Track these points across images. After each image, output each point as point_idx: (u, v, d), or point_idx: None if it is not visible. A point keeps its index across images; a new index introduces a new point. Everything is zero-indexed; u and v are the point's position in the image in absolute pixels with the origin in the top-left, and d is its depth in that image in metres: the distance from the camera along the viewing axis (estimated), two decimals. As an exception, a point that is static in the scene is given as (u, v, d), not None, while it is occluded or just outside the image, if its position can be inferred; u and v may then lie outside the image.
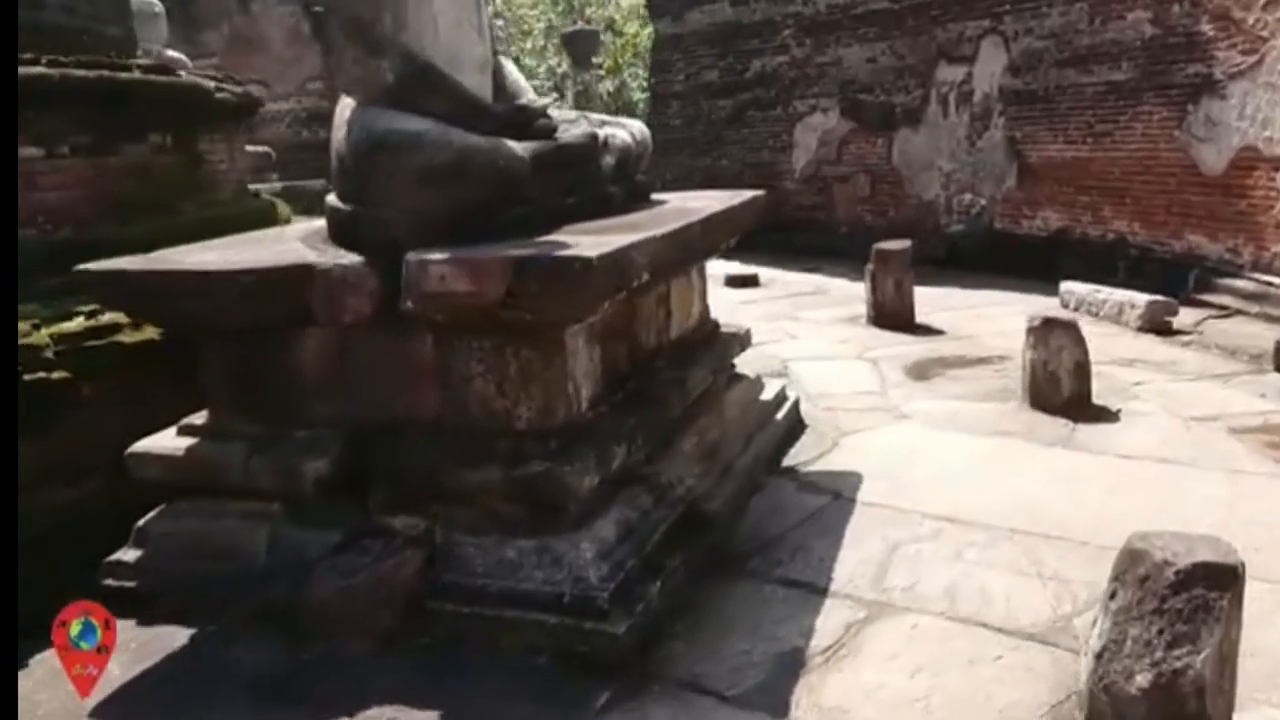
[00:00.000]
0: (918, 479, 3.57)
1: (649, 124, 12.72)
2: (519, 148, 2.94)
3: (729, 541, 3.12)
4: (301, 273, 2.75)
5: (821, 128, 10.46)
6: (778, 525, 3.24)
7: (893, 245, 6.40)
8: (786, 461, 3.84)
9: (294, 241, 3.17)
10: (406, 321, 2.67)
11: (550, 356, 2.66)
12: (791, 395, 4.33)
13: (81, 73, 3.95)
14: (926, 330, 6.18)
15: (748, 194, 3.95)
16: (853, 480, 3.59)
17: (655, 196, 3.92)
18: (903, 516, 3.25)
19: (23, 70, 3.47)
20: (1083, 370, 4.24)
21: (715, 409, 3.67)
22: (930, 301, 7.01)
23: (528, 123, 3.20)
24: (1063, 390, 4.22)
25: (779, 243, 10.09)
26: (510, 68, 3.62)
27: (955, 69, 9.00)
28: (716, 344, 3.85)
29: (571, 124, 3.60)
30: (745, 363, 5.06)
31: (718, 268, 9.48)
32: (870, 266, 6.39)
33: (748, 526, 3.24)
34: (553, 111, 3.69)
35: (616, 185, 3.56)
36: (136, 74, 4.18)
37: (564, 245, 2.56)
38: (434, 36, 3.18)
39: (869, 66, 9.83)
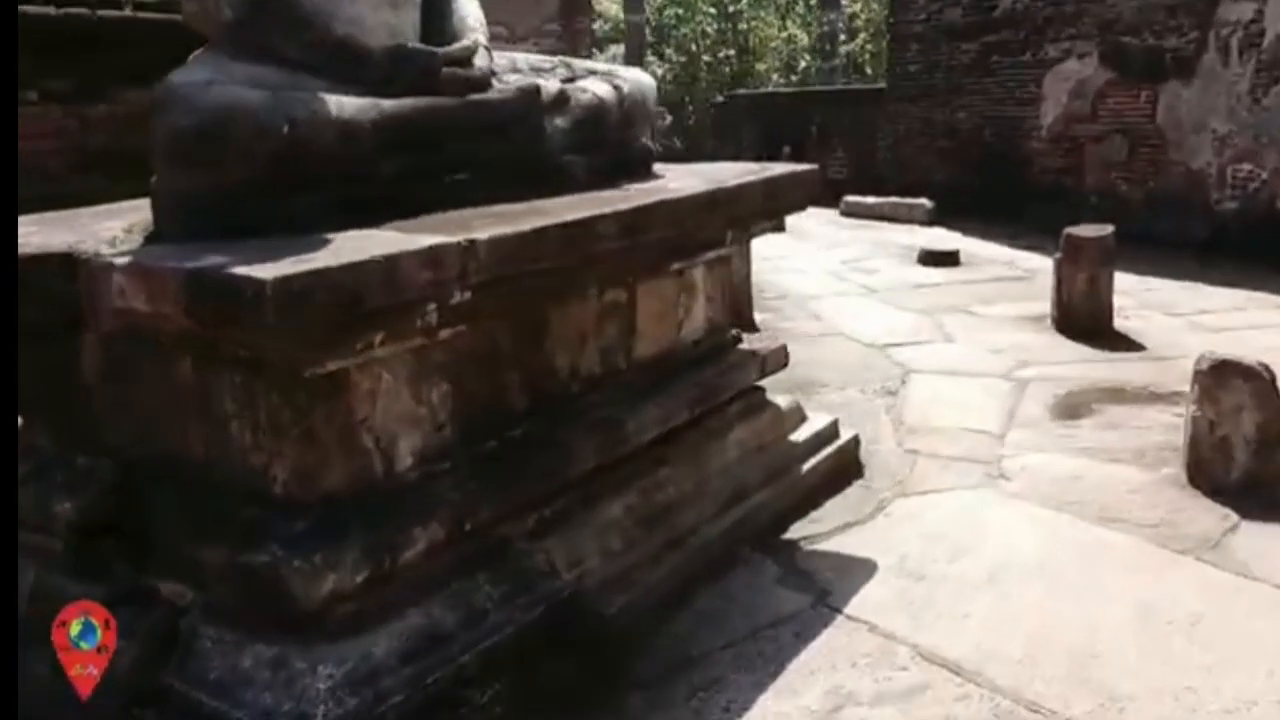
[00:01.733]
0: (950, 585, 2.51)
1: (889, 70, 11.42)
2: (355, 106, 2.18)
3: (625, 658, 2.27)
4: (64, 261, 2.15)
5: (1075, 77, 8.77)
6: (709, 639, 2.33)
7: (1089, 231, 5.03)
8: (797, 530, 2.88)
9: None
10: (167, 335, 2.03)
11: (314, 402, 1.92)
12: (845, 435, 3.32)
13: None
14: (1122, 342, 4.82)
15: (778, 169, 2.97)
16: (860, 574, 2.59)
17: (665, 168, 3.04)
18: (884, 651, 2.25)
19: None
20: (1269, 441, 2.93)
21: (690, 457, 2.78)
22: (1153, 300, 5.58)
23: (424, 72, 2.43)
24: (1233, 467, 2.95)
25: (1012, 210, 8.66)
26: (468, 3, 2.84)
27: (1242, 6, 7.15)
28: (715, 367, 2.93)
29: (529, 75, 2.81)
30: (867, 368, 4.08)
31: (919, 238, 8.24)
32: (1057, 255, 5.06)
33: (670, 635, 2.36)
34: (520, 58, 2.92)
35: (581, 154, 2.72)
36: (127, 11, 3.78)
37: (293, 252, 1.77)
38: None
39: (1135, 3, 8.06)
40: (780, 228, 3.06)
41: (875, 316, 5.57)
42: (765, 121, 12.59)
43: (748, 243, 3.15)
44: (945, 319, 5.42)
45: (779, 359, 3.17)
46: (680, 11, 20.16)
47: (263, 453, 1.97)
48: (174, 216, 2.04)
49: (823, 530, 2.87)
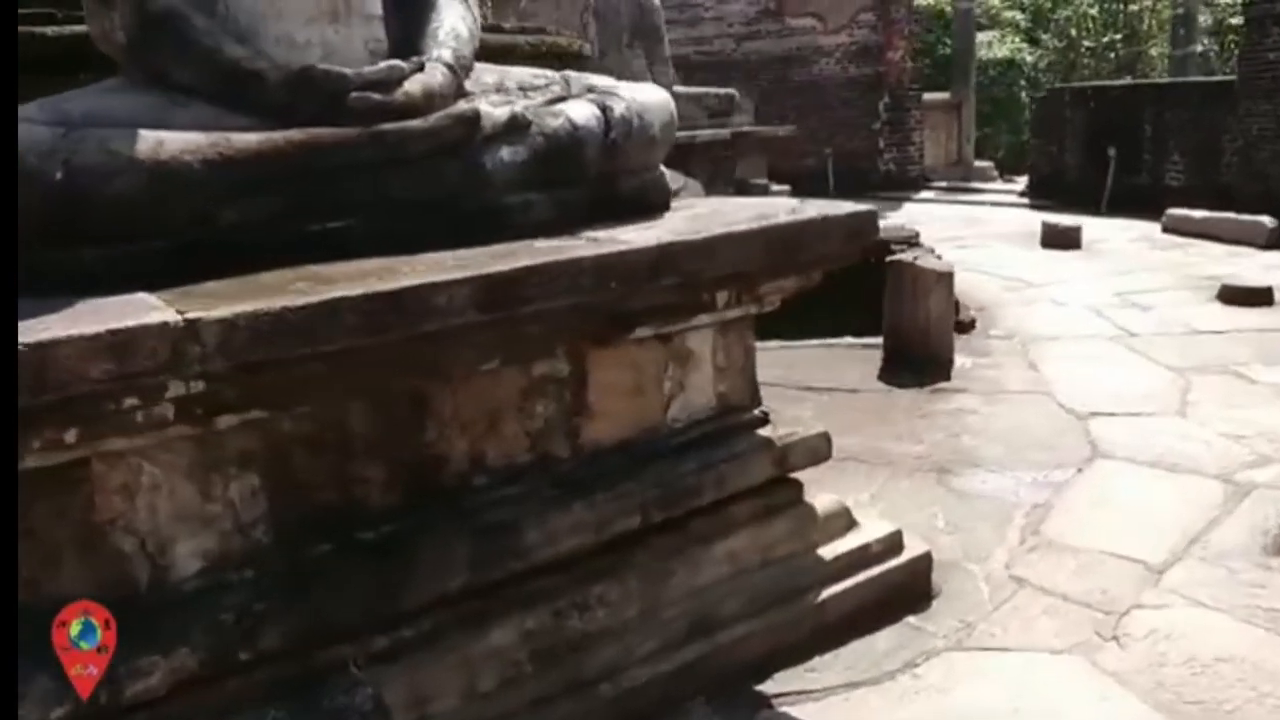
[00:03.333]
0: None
1: (1240, 59, 9.54)
2: (182, 144, 1.86)
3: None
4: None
5: None
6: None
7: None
8: (784, 680, 2.22)
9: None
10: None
11: (33, 498, 1.63)
12: (912, 550, 2.57)
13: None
14: None
15: (813, 212, 2.28)
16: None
17: (691, 206, 2.49)
18: None
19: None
20: None
21: (643, 573, 2.22)
22: None
23: (329, 98, 2.07)
24: None
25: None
26: (449, 13, 2.45)
27: None
28: (703, 458, 2.33)
29: (515, 96, 2.38)
30: (1048, 445, 3.50)
31: (1240, 267, 6.65)
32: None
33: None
34: (514, 74, 2.50)
35: (544, 192, 2.25)
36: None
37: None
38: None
39: None
40: (811, 281, 2.39)
41: (1109, 372, 4.51)
42: (1090, 120, 11.03)
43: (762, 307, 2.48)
44: (1200, 382, 4.27)
45: (811, 451, 2.49)
46: (1057, -6, 18.52)
47: (6, 546, 1.72)
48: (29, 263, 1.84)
49: (817, 687, 2.20)
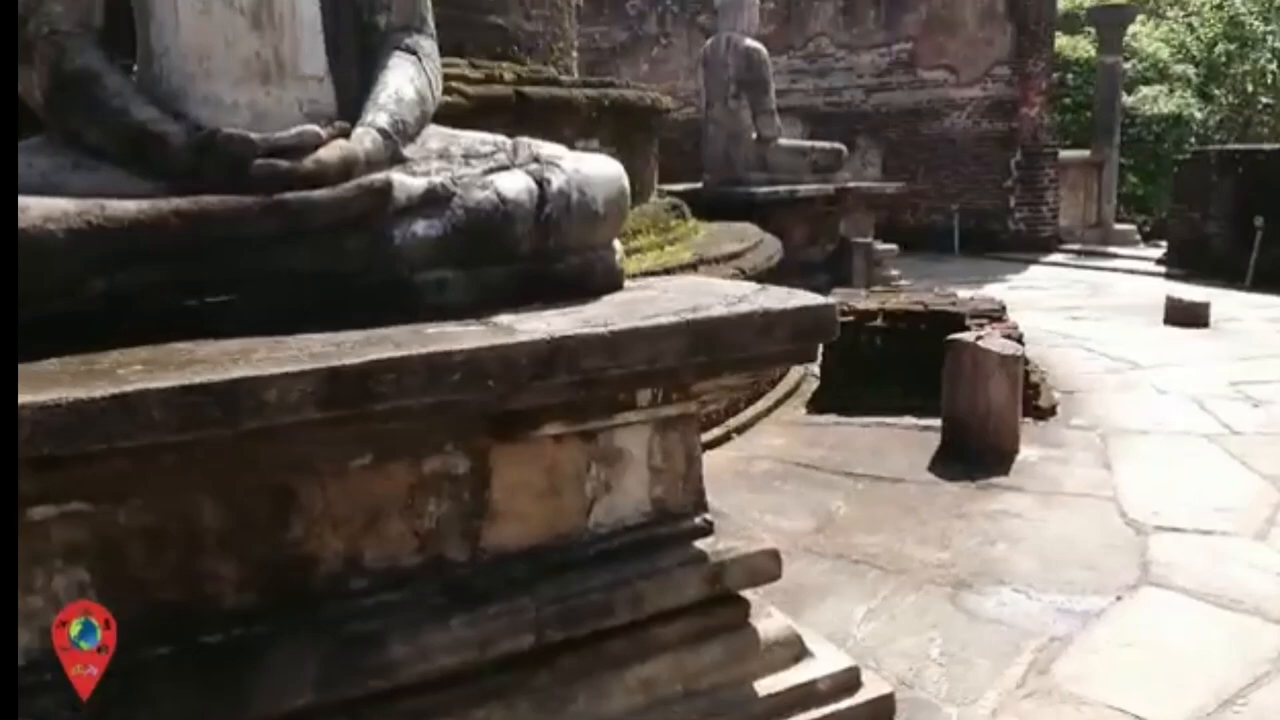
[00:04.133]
0: None
1: None
2: (45, 210, 1.77)
3: None
4: None
5: None
6: None
7: None
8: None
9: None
10: None
11: None
12: (870, 690, 2.24)
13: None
14: None
15: (751, 305, 2.02)
16: None
17: (646, 288, 2.28)
18: None
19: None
20: None
21: (533, 697, 1.99)
22: None
23: (232, 164, 1.96)
24: None
25: None
26: (396, 74, 2.32)
27: None
28: (620, 572, 2.09)
29: (456, 165, 2.23)
30: (1091, 564, 3.24)
31: None
32: None
33: None
34: (465, 140, 2.35)
35: (463, 269, 2.08)
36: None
37: None
38: (174, 27, 2.13)
39: None
40: (764, 378, 2.13)
41: (1192, 478, 4.03)
42: (1238, 185, 10.22)
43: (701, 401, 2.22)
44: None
45: (752, 571, 2.20)
46: (1232, 48, 17.45)
47: None
48: None
49: None
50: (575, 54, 6.97)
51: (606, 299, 2.18)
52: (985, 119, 13.68)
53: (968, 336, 4.41)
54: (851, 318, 5.17)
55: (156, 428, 1.53)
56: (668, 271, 4.62)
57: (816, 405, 5.13)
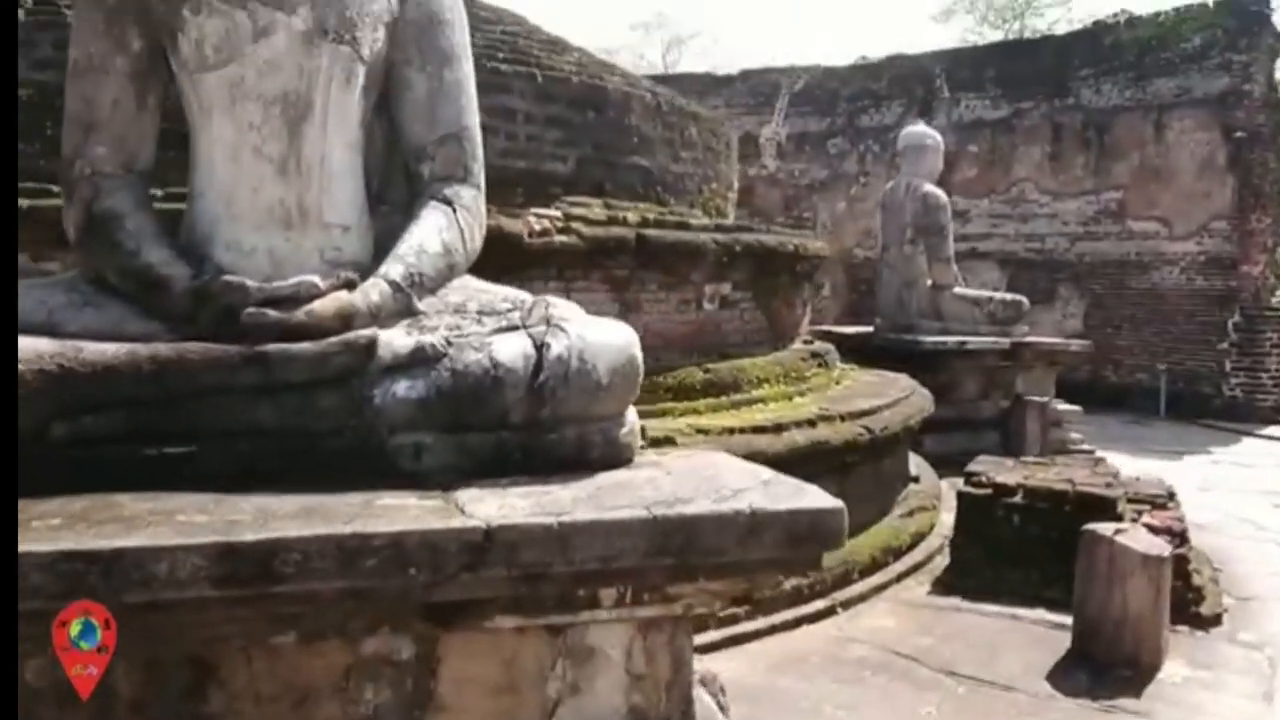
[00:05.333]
0: None
1: None
2: (22, 351, 1.79)
3: None
4: None
5: None
6: None
7: None
8: None
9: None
10: None
11: None
12: None
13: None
14: None
15: (732, 507, 1.79)
16: None
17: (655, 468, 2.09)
18: None
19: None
20: None
21: None
22: None
23: (225, 312, 1.95)
24: None
25: None
26: (424, 225, 2.27)
27: None
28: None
29: (469, 322, 2.15)
30: None
31: None
32: None
33: None
34: (485, 296, 2.28)
35: (448, 434, 1.97)
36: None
37: None
38: (209, 172, 2.19)
39: None
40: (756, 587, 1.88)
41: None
42: None
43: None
44: None
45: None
46: None
47: None
48: None
49: None
50: (733, 193, 6.95)
51: (600, 478, 1.99)
52: (1200, 275, 12.72)
53: (1106, 528, 3.91)
54: (989, 491, 4.74)
55: (37, 593, 1.47)
56: (778, 428, 4.39)
57: (942, 584, 4.68)
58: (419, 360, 1.98)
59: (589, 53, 6.77)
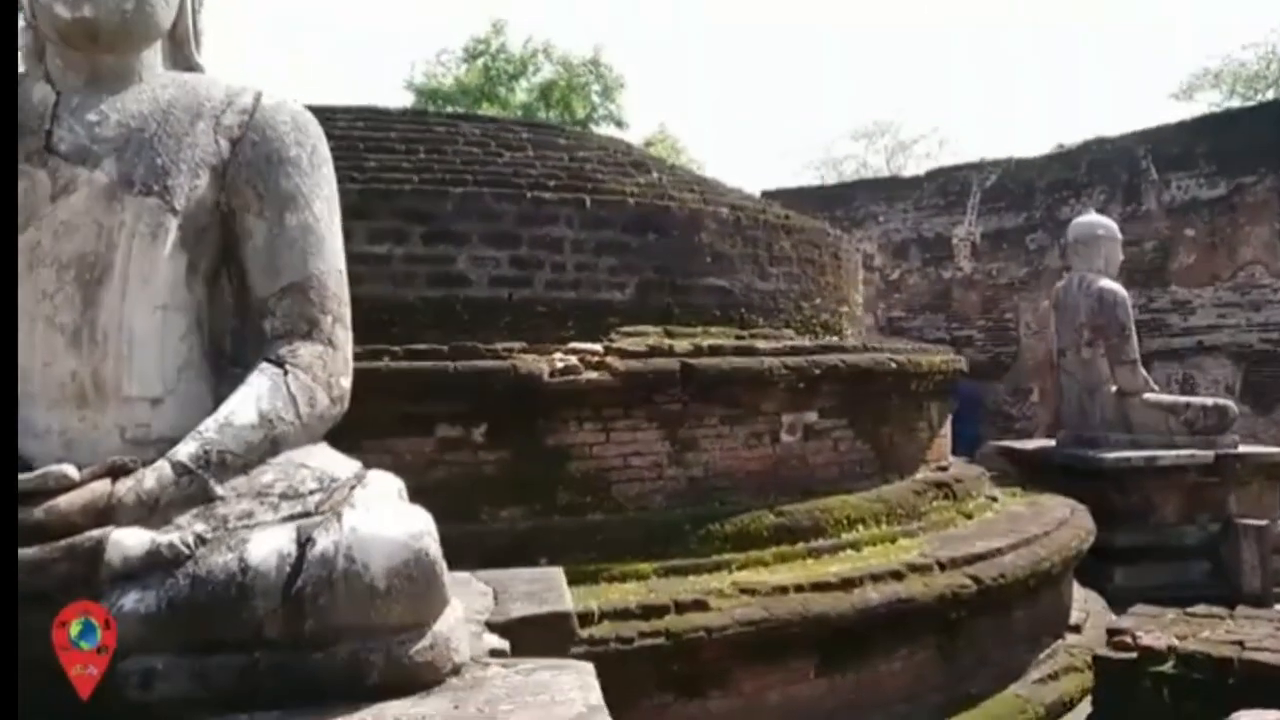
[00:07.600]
0: None
1: None
2: None
3: None
4: None
5: None
6: None
7: None
8: None
9: None
10: None
11: None
12: None
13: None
14: None
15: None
16: None
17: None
18: None
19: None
20: None
21: None
22: None
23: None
24: None
25: None
26: (247, 391, 1.97)
27: None
28: None
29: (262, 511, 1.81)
30: None
31: None
32: None
33: None
34: (298, 478, 1.94)
35: (184, 658, 1.62)
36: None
37: None
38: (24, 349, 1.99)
39: None
40: None
41: None
42: None
43: None
44: None
45: None
46: None
47: None
48: None
49: None
50: (853, 306, 6.37)
51: (369, 713, 1.57)
52: None
53: (1267, 717, 3.01)
54: (1132, 656, 3.86)
55: None
56: (847, 584, 3.74)
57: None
58: (156, 564, 1.66)
59: (686, 171, 6.48)
